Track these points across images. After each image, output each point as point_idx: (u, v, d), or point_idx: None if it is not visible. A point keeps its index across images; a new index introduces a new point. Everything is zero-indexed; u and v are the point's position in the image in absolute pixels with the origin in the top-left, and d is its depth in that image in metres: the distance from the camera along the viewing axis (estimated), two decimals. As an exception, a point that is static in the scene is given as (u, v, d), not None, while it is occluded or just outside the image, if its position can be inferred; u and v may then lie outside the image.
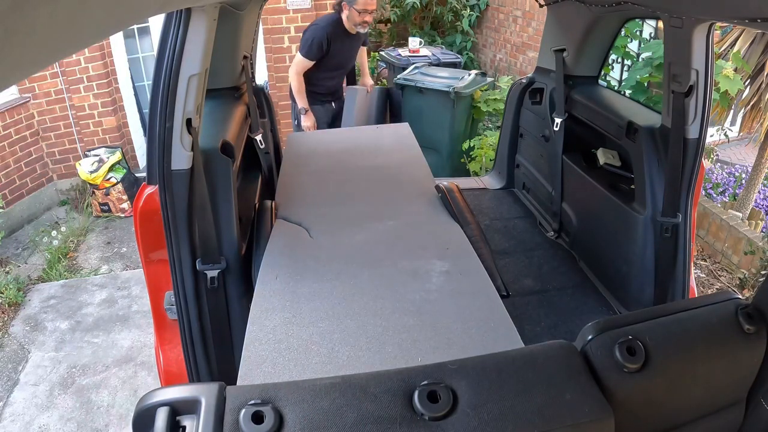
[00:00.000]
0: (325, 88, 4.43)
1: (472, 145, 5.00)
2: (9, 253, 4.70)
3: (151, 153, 1.68)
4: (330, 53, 4.18)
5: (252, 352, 1.40)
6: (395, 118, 5.26)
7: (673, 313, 1.15)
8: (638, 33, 5.35)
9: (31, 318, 3.88)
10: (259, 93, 2.65)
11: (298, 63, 4.20)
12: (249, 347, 1.41)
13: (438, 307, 1.59)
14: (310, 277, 1.71)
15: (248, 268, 1.87)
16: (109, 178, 5.17)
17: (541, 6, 2.87)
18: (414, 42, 6.48)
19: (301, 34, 5.72)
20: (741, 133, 5.43)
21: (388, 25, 8.17)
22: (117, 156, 5.28)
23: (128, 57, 5.66)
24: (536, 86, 3.08)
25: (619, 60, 5.73)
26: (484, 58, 8.56)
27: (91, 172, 5.12)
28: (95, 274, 4.42)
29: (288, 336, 1.46)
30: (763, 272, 3.77)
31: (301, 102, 4.26)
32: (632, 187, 2.37)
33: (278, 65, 5.76)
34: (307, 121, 4.30)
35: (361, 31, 4.18)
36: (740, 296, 1.23)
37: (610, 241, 2.46)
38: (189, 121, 1.64)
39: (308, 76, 4.27)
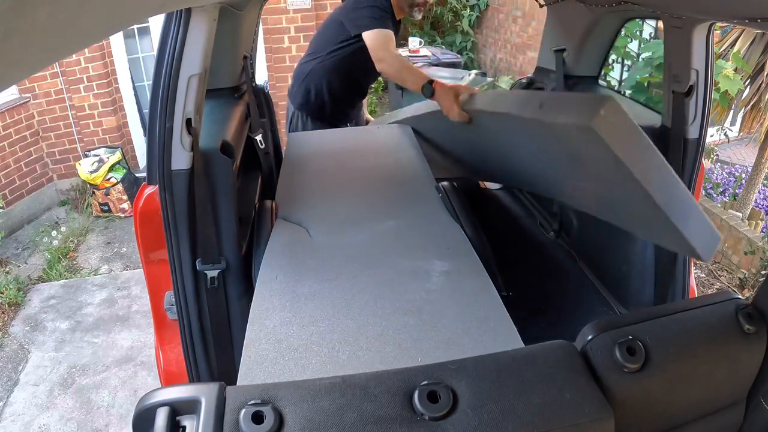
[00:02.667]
0: (345, 101, 3.12)
1: (472, 145, 5.00)
2: (9, 253, 4.70)
3: (151, 153, 1.68)
4: None
5: (252, 352, 1.40)
6: None
7: (673, 313, 1.15)
8: (638, 33, 5.35)
9: (31, 318, 3.88)
10: (259, 93, 2.65)
11: (381, 39, 2.64)
12: (249, 347, 1.41)
13: (438, 307, 1.59)
14: (310, 276, 1.70)
15: (248, 268, 1.87)
16: (109, 178, 5.17)
17: (541, 6, 2.87)
18: (414, 42, 6.50)
19: (301, 35, 5.75)
20: (741, 133, 5.43)
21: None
22: (117, 156, 5.28)
23: (128, 57, 5.67)
24: (536, 86, 3.08)
25: (620, 60, 5.73)
26: (484, 58, 8.56)
27: (91, 172, 5.12)
28: (95, 274, 4.42)
29: (288, 336, 1.46)
30: (763, 272, 3.77)
31: (421, 77, 2.42)
32: (632, 187, 2.37)
33: (278, 65, 5.77)
34: (445, 96, 2.19)
35: (416, 16, 3.08)
36: (740, 296, 1.23)
37: (610, 241, 2.46)
38: (189, 121, 1.64)
39: (325, 78, 3.02)
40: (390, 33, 2.71)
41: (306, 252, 1.84)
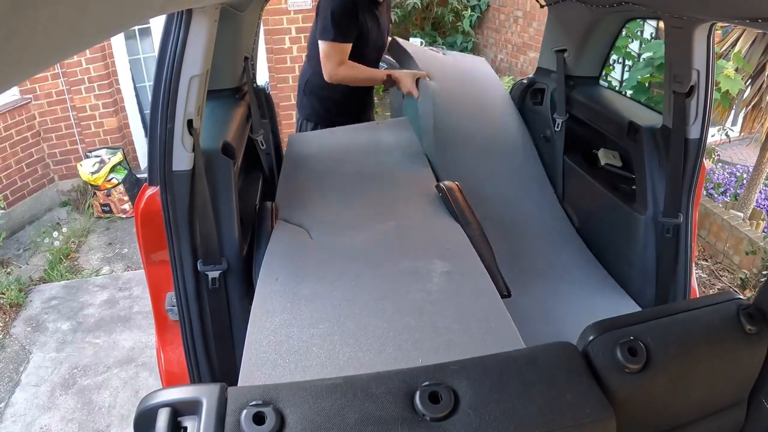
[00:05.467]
0: (344, 96, 3.01)
1: (473, 145, 4.99)
2: (10, 254, 4.70)
3: (152, 154, 1.68)
4: (361, 32, 2.87)
5: (253, 354, 1.40)
6: None
7: (674, 313, 1.15)
8: (639, 33, 5.35)
9: (32, 319, 3.88)
10: (260, 94, 2.65)
11: (330, 53, 2.78)
12: (250, 349, 1.41)
13: (439, 307, 1.59)
14: (310, 278, 1.70)
15: (249, 269, 1.87)
16: (111, 179, 5.18)
17: (541, 6, 2.86)
18: (415, 42, 6.49)
19: (302, 36, 5.75)
20: (742, 133, 5.42)
21: (390, 25, 8.18)
22: (118, 157, 5.29)
23: (129, 58, 5.67)
24: (537, 87, 3.08)
25: (620, 60, 5.73)
26: (485, 58, 8.56)
27: (93, 173, 5.12)
28: (96, 275, 4.43)
29: (289, 337, 1.46)
30: (764, 272, 3.76)
31: (375, 73, 2.94)
32: (633, 187, 2.37)
33: (279, 66, 5.77)
34: (405, 80, 2.84)
35: None
36: (741, 296, 1.23)
37: (612, 242, 2.46)
38: (190, 122, 1.64)
39: (324, 84, 2.91)
40: (342, 47, 2.78)
41: (306, 253, 1.84)
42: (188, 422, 0.85)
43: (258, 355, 1.40)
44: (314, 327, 1.49)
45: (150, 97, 1.67)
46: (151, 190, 1.78)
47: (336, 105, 3.08)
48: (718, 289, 3.99)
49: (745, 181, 5.16)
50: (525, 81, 3.22)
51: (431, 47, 3.67)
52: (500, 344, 1.41)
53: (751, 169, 4.90)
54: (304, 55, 5.52)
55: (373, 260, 1.81)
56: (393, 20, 4.12)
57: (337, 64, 2.80)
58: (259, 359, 1.38)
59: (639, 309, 2.25)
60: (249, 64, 2.51)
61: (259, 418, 0.84)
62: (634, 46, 5.40)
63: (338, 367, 1.37)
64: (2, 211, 4.71)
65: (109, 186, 5.17)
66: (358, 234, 1.95)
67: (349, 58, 2.84)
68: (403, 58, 3.36)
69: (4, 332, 3.74)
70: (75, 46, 0.53)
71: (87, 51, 5.05)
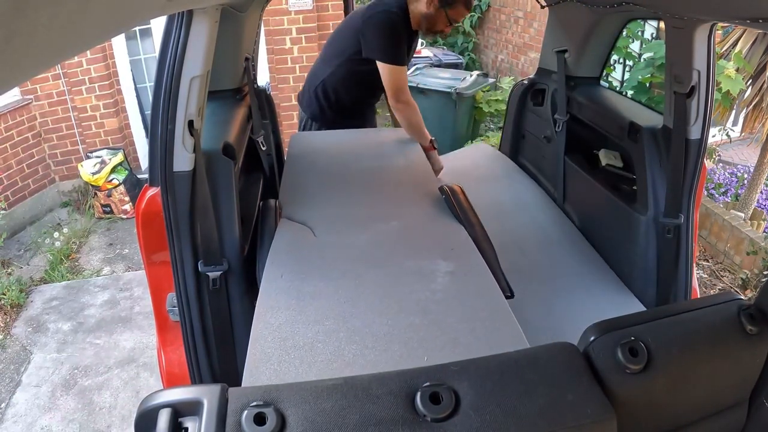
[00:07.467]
0: (354, 104, 3.01)
1: (473, 146, 5.00)
2: (11, 255, 4.71)
3: (153, 155, 1.68)
4: None
5: (257, 350, 1.40)
6: None
7: (675, 314, 1.15)
8: (640, 33, 5.35)
9: (33, 319, 3.88)
10: (261, 94, 2.65)
11: (397, 78, 2.69)
12: (254, 344, 1.42)
13: (443, 307, 1.59)
14: (315, 275, 1.71)
15: (250, 269, 1.87)
16: (111, 180, 5.18)
17: (542, 7, 2.87)
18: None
19: (302, 36, 5.75)
20: (743, 134, 5.43)
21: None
22: (119, 157, 5.30)
23: (130, 58, 5.67)
24: (538, 87, 3.08)
25: (621, 60, 5.73)
26: (485, 58, 8.56)
27: (93, 174, 5.13)
28: (97, 276, 4.43)
29: (294, 334, 1.46)
30: (765, 273, 3.76)
31: (425, 132, 2.81)
32: (634, 188, 2.37)
33: (280, 67, 5.77)
34: (438, 160, 2.86)
35: (427, 38, 3.02)
36: (742, 297, 1.23)
37: (612, 242, 2.46)
38: (191, 123, 1.65)
39: (338, 88, 2.92)
40: (405, 70, 2.75)
41: (310, 251, 1.84)
42: (189, 423, 0.85)
43: (263, 350, 1.40)
44: (319, 324, 1.50)
45: (151, 98, 1.67)
46: (152, 191, 1.78)
47: (344, 110, 3.03)
48: (719, 289, 3.99)
49: (745, 182, 5.16)
50: (526, 82, 3.22)
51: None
52: (505, 343, 1.41)
53: (751, 170, 4.91)
54: (305, 56, 5.58)
55: (376, 259, 1.81)
56: None
57: (407, 92, 2.74)
58: (264, 354, 1.39)
59: (643, 308, 2.24)
60: (250, 65, 2.51)
61: (260, 419, 0.84)
62: (635, 47, 5.41)
63: (344, 363, 1.37)
64: (3, 211, 4.72)
65: (109, 186, 5.18)
66: (361, 233, 1.96)
67: (363, 79, 2.81)
68: None
69: (5, 333, 3.74)
70: (76, 46, 0.53)
71: (88, 51, 5.05)
